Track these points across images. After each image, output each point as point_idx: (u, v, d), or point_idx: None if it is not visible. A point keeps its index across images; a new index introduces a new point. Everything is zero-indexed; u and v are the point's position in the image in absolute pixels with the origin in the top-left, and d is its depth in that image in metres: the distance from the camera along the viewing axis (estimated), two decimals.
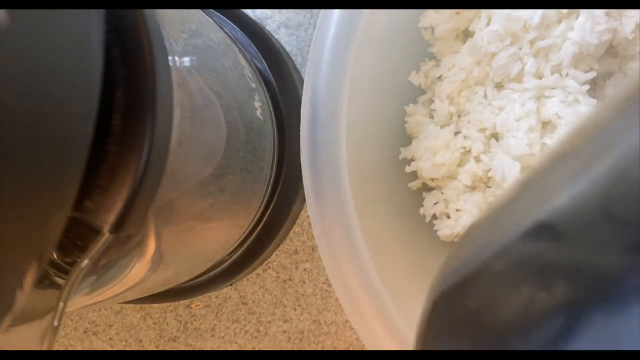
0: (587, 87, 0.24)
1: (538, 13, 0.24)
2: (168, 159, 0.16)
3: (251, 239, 0.32)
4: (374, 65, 0.25)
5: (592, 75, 0.24)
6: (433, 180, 0.27)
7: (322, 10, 0.23)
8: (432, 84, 0.28)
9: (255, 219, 0.30)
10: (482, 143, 0.26)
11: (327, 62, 0.23)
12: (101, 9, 0.14)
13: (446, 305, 0.12)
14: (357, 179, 0.23)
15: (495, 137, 0.27)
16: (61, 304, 0.16)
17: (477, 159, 0.27)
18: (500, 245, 0.11)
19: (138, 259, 0.19)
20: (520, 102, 0.25)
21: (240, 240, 0.31)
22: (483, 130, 0.27)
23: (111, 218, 0.15)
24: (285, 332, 0.36)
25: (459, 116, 0.28)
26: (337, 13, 0.23)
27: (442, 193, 0.28)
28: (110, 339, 0.38)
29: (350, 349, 0.36)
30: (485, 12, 0.26)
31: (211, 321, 0.37)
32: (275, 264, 0.36)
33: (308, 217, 0.32)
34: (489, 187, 0.27)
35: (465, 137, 0.27)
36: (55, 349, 0.38)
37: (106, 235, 0.15)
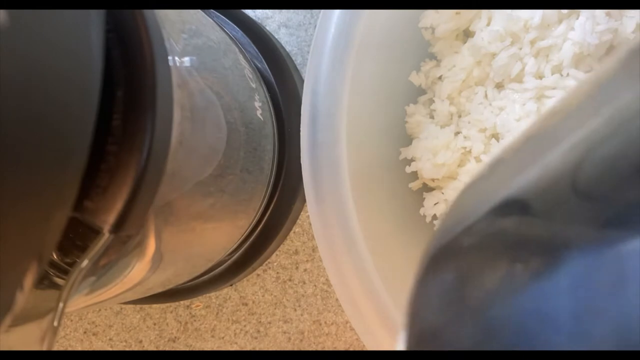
0: None
1: (538, 13, 0.24)
2: (168, 159, 0.16)
3: (251, 239, 0.32)
4: (374, 65, 0.25)
5: None
6: (433, 180, 0.27)
7: (322, 10, 0.23)
8: (432, 83, 0.28)
9: (255, 219, 0.30)
10: (482, 143, 0.26)
11: (327, 62, 0.23)
12: (101, 9, 0.14)
13: (427, 279, 0.12)
14: (357, 179, 0.23)
15: (496, 137, 0.27)
16: (61, 304, 0.16)
17: (477, 159, 0.27)
18: (471, 221, 0.11)
19: (138, 259, 0.19)
20: (521, 102, 0.25)
21: (240, 240, 0.31)
22: (483, 130, 0.27)
23: (111, 218, 0.15)
24: (285, 332, 0.36)
25: (459, 116, 0.28)
26: (337, 13, 0.23)
27: (442, 193, 0.28)
28: (110, 339, 0.38)
29: (350, 349, 0.36)
30: (485, 12, 0.26)
31: (211, 321, 0.37)
32: (275, 264, 0.36)
33: (308, 217, 0.32)
34: None
35: (465, 137, 0.27)
36: (55, 349, 0.38)
37: (106, 235, 0.15)
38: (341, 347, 0.36)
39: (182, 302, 0.37)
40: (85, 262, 0.16)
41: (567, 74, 0.25)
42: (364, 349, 0.34)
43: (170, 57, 0.17)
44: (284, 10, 0.36)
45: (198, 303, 0.37)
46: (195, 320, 0.37)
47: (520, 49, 0.25)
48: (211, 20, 0.27)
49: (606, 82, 0.11)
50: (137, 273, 0.20)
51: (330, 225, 0.22)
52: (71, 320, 0.39)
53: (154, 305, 0.38)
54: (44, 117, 0.12)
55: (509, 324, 0.09)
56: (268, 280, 0.36)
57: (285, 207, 0.31)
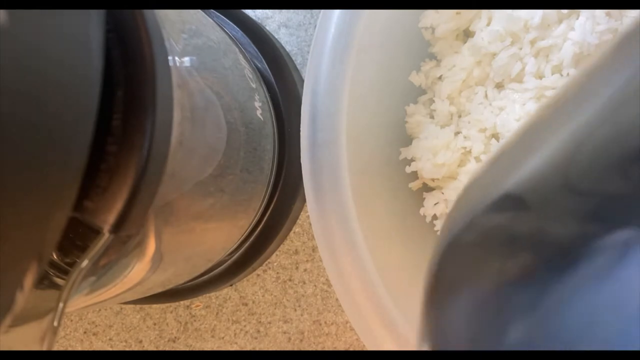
0: None
1: (538, 13, 0.24)
2: (168, 159, 0.16)
3: (251, 239, 0.32)
4: (374, 65, 0.25)
5: None
6: (433, 180, 0.27)
7: (322, 10, 0.23)
8: (432, 83, 0.28)
9: (255, 219, 0.30)
10: (482, 143, 0.26)
11: (327, 62, 0.23)
12: (101, 9, 0.14)
13: (433, 278, 0.12)
14: (357, 179, 0.23)
15: (496, 137, 0.27)
16: (61, 304, 0.16)
17: (477, 159, 0.27)
18: (469, 217, 0.11)
19: (138, 259, 0.19)
20: (521, 102, 0.25)
21: (240, 240, 0.31)
22: (483, 130, 0.27)
23: (111, 218, 0.15)
24: (285, 333, 0.36)
25: (459, 116, 0.28)
26: (337, 13, 0.23)
27: (442, 193, 0.28)
28: (110, 339, 0.38)
29: (350, 349, 0.36)
30: (485, 12, 0.26)
31: (211, 321, 0.37)
32: (275, 264, 0.36)
33: (308, 217, 0.32)
34: None
35: (465, 137, 0.27)
36: (55, 349, 0.38)
37: (106, 235, 0.15)
38: (341, 347, 0.36)
39: (182, 302, 0.37)
40: (85, 262, 0.16)
41: (567, 74, 0.25)
42: (364, 349, 0.34)
43: (170, 57, 0.17)
44: (284, 10, 0.36)
45: (198, 303, 0.37)
46: (195, 320, 0.37)
47: (520, 49, 0.25)
48: (211, 20, 0.27)
49: (599, 69, 0.11)
50: (137, 273, 0.20)
51: (330, 225, 0.22)
52: (71, 320, 0.39)
53: (154, 305, 0.38)
54: (44, 117, 0.12)
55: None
56: (268, 280, 0.36)
57: (285, 207, 0.31)
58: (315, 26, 0.25)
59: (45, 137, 0.12)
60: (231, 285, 0.37)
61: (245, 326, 0.37)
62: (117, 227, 0.15)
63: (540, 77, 0.25)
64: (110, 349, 0.38)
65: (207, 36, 0.23)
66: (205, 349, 0.37)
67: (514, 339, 0.09)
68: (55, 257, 0.19)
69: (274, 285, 0.36)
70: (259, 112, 0.26)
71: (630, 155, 0.09)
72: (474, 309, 0.10)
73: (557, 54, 0.24)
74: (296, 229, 0.36)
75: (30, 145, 0.11)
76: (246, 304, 0.37)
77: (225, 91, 0.23)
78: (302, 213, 0.35)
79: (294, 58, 0.35)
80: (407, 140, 0.28)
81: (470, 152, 0.27)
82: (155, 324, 0.38)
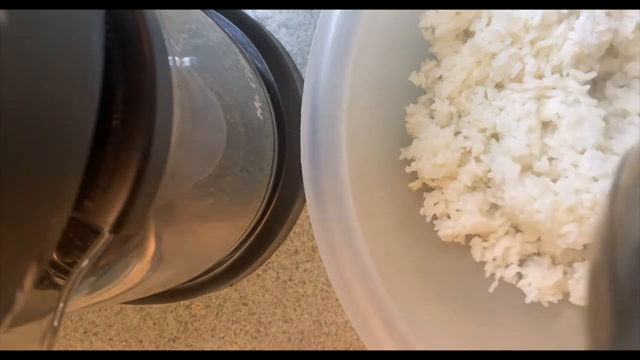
0: (587, 87, 0.24)
1: (538, 13, 0.24)
2: (168, 159, 0.16)
3: (251, 239, 0.32)
4: (374, 65, 0.25)
5: (592, 75, 0.24)
6: (433, 180, 0.27)
7: (322, 10, 0.23)
8: (432, 83, 0.28)
9: (255, 219, 0.30)
10: (482, 143, 0.26)
11: (327, 62, 0.23)
12: (101, 9, 0.14)
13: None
14: (357, 179, 0.23)
15: (495, 137, 0.27)
16: (61, 304, 0.16)
17: (477, 159, 0.27)
18: None
19: (138, 259, 0.19)
20: (520, 102, 0.25)
21: (240, 240, 0.31)
22: (483, 130, 0.27)
23: (111, 218, 0.15)
24: (285, 332, 0.36)
25: (459, 116, 0.28)
26: (337, 13, 0.23)
27: (442, 193, 0.28)
28: (110, 339, 0.38)
29: (350, 349, 0.36)
30: (485, 12, 0.26)
31: (211, 321, 0.37)
32: (275, 264, 0.36)
33: (308, 217, 0.32)
34: (489, 187, 0.27)
35: (465, 137, 0.27)
36: (55, 349, 0.38)
37: (106, 235, 0.15)
38: (341, 347, 0.36)
39: (182, 302, 0.37)
40: (85, 262, 0.16)
41: (567, 74, 0.25)
42: (364, 349, 0.34)
43: (170, 57, 0.17)
44: (284, 10, 0.36)
45: (198, 303, 0.37)
46: (195, 320, 0.37)
47: (520, 49, 0.25)
48: (211, 20, 0.27)
49: None
50: (137, 273, 0.20)
51: (330, 225, 0.22)
52: (71, 320, 0.39)
53: (154, 305, 0.38)
54: (44, 117, 0.12)
55: None
56: (268, 280, 0.36)
57: (285, 207, 0.31)
58: (315, 26, 0.25)
59: (45, 137, 0.12)
60: (231, 285, 0.37)
61: (245, 326, 0.37)
62: (117, 227, 0.15)
63: (540, 77, 0.25)
64: (110, 349, 0.38)
65: (207, 36, 0.23)
66: (205, 349, 0.37)
67: None
68: (55, 257, 0.19)
69: (274, 285, 0.36)
70: (259, 112, 0.26)
71: None
72: None
73: (557, 54, 0.24)
74: (296, 229, 0.36)
75: (30, 146, 0.11)
76: (246, 304, 0.37)
77: (225, 91, 0.23)
78: (302, 213, 0.35)
79: (294, 58, 0.35)
80: (407, 140, 0.28)
81: (470, 152, 0.27)
82: (155, 324, 0.38)
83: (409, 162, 0.27)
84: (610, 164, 0.23)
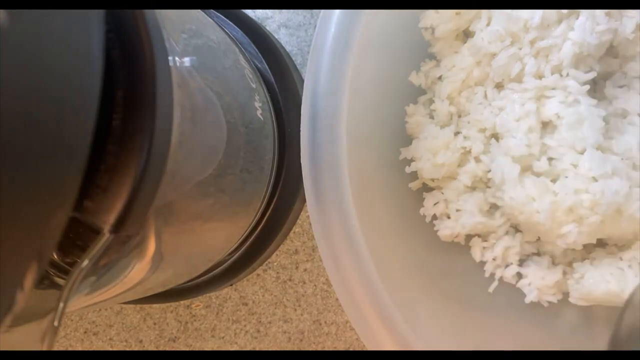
0: (587, 87, 0.24)
1: (538, 13, 0.24)
2: (168, 159, 0.16)
3: (251, 239, 0.32)
4: (374, 65, 0.25)
5: (592, 75, 0.24)
6: (433, 180, 0.27)
7: (322, 10, 0.23)
8: (432, 84, 0.28)
9: (255, 219, 0.30)
10: (481, 143, 0.26)
11: (327, 62, 0.23)
12: (101, 9, 0.14)
13: None
14: (357, 179, 0.23)
15: (495, 137, 0.27)
16: (61, 304, 0.16)
17: (477, 159, 0.27)
18: None
19: (138, 259, 0.19)
20: (520, 102, 0.25)
21: (240, 240, 0.31)
22: (483, 130, 0.27)
23: (111, 218, 0.15)
24: (285, 332, 0.36)
25: (459, 116, 0.28)
26: (337, 13, 0.23)
27: (442, 193, 0.28)
28: (110, 339, 0.38)
29: (350, 349, 0.36)
30: (485, 12, 0.26)
31: (211, 321, 0.37)
32: (275, 264, 0.36)
33: (308, 217, 0.32)
34: (489, 187, 0.27)
35: (465, 137, 0.27)
36: (55, 349, 0.38)
37: (106, 235, 0.15)
38: (341, 347, 0.36)
39: (182, 302, 0.37)
40: (85, 262, 0.16)
41: (567, 74, 0.25)
42: (364, 349, 0.34)
43: (170, 57, 0.17)
44: (284, 11, 0.36)
45: (198, 303, 0.37)
46: (195, 320, 0.37)
47: (520, 49, 0.25)
48: (211, 20, 0.27)
49: None
50: (137, 273, 0.20)
51: (330, 225, 0.22)
52: (71, 320, 0.39)
53: (154, 305, 0.38)
54: (44, 117, 0.12)
55: None
56: (268, 280, 0.36)
57: (285, 207, 0.31)
58: (315, 26, 0.25)
59: (45, 137, 0.12)
60: (231, 285, 0.37)
61: (245, 326, 0.37)
62: (117, 227, 0.15)
63: (540, 77, 0.25)
64: (111, 349, 0.38)
65: (207, 36, 0.23)
66: (206, 349, 0.37)
67: None
68: (55, 257, 0.19)
69: (274, 285, 0.36)
70: (259, 112, 0.26)
71: None
72: None
73: (557, 54, 0.24)
74: (296, 229, 0.36)
75: (30, 146, 0.11)
76: (246, 304, 0.37)
77: (225, 91, 0.23)
78: (302, 213, 0.35)
79: (294, 58, 0.35)
80: (407, 140, 0.28)
81: (470, 152, 0.27)
82: (155, 324, 0.38)
83: (409, 162, 0.27)
84: (610, 164, 0.23)
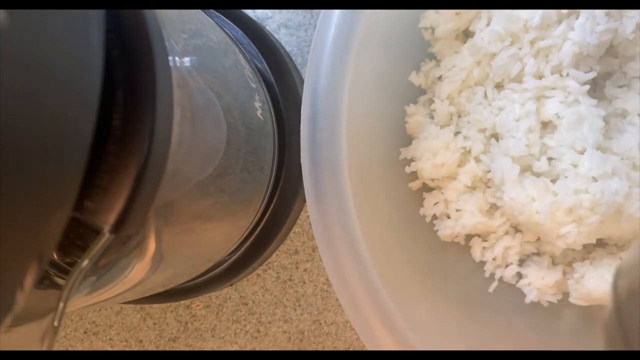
0: (587, 87, 0.24)
1: (538, 13, 0.24)
2: (168, 159, 0.16)
3: (251, 239, 0.32)
4: (374, 65, 0.25)
5: (592, 75, 0.24)
6: (433, 180, 0.27)
7: (322, 10, 0.23)
8: (432, 84, 0.28)
9: (255, 219, 0.30)
10: (481, 143, 0.26)
11: (327, 62, 0.23)
12: (101, 9, 0.14)
13: None
14: (357, 179, 0.23)
15: (495, 137, 0.27)
16: (61, 304, 0.16)
17: (477, 159, 0.27)
18: None
19: (138, 259, 0.19)
20: (520, 102, 0.25)
21: (240, 240, 0.31)
22: (483, 130, 0.27)
23: (111, 218, 0.15)
24: (285, 332, 0.36)
25: (459, 116, 0.28)
26: (337, 13, 0.23)
27: (442, 193, 0.28)
28: (110, 339, 0.38)
29: (350, 349, 0.36)
30: (485, 12, 0.26)
31: (211, 321, 0.37)
32: (275, 264, 0.36)
33: (308, 217, 0.32)
34: (489, 187, 0.27)
35: (465, 137, 0.27)
36: (55, 349, 0.38)
37: (106, 235, 0.15)
38: (341, 347, 0.36)
39: (182, 302, 0.37)
40: (85, 262, 0.16)
41: (567, 74, 0.25)
42: (364, 349, 0.34)
43: (170, 57, 0.17)
44: (284, 11, 0.36)
45: (198, 303, 0.37)
46: (195, 320, 0.37)
47: (520, 49, 0.25)
48: (211, 20, 0.27)
49: None
50: (137, 273, 0.20)
51: (330, 225, 0.22)
52: (71, 320, 0.39)
53: (154, 305, 0.38)
54: (44, 117, 0.12)
55: None
56: (268, 280, 0.36)
57: (285, 207, 0.31)
58: (315, 26, 0.25)
59: (46, 137, 0.12)
60: (231, 285, 0.37)
61: (245, 326, 0.37)
62: (117, 227, 0.15)
63: (540, 77, 0.25)
64: (111, 349, 0.38)
65: (207, 36, 0.23)
66: (206, 349, 0.37)
67: None
68: (55, 257, 0.19)
69: (274, 285, 0.36)
70: (259, 112, 0.26)
71: None
72: None
73: (557, 54, 0.24)
74: (296, 229, 0.36)
75: (30, 146, 0.11)
76: (246, 304, 0.37)
77: (225, 91, 0.23)
78: (302, 213, 0.35)
79: (294, 58, 0.35)
80: (407, 140, 0.28)
81: (469, 152, 0.27)
82: (155, 324, 0.38)
83: (409, 162, 0.27)
84: (610, 164, 0.23)
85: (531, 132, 0.25)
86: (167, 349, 0.38)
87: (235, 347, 0.37)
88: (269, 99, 0.30)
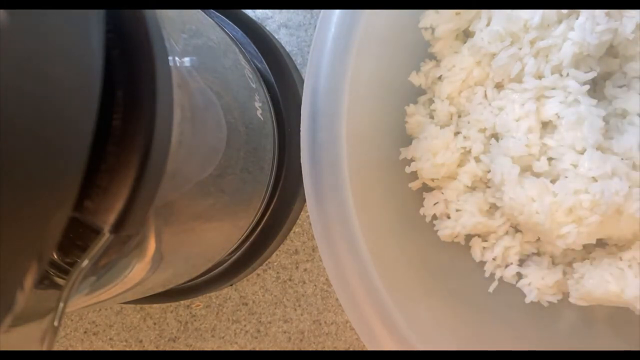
0: (587, 87, 0.24)
1: (538, 13, 0.24)
2: (168, 159, 0.16)
3: (251, 239, 0.32)
4: (374, 65, 0.25)
5: (592, 75, 0.24)
6: (433, 180, 0.27)
7: (322, 10, 0.23)
8: (432, 84, 0.28)
9: (256, 219, 0.30)
10: (481, 143, 0.26)
11: (327, 62, 0.23)
12: (101, 9, 0.14)
13: None
14: (357, 178, 0.23)
15: (495, 137, 0.27)
16: (61, 304, 0.16)
17: (477, 159, 0.27)
18: None
19: (138, 259, 0.19)
20: (520, 102, 0.25)
21: (240, 240, 0.31)
22: (483, 130, 0.27)
23: (111, 218, 0.15)
24: (285, 332, 0.36)
25: (459, 116, 0.28)
26: (337, 13, 0.23)
27: (442, 193, 0.28)
28: (110, 339, 0.38)
29: (350, 349, 0.36)
30: (485, 12, 0.26)
31: (211, 321, 0.37)
32: (275, 264, 0.36)
33: (308, 217, 0.32)
34: (489, 187, 0.27)
35: (465, 137, 0.27)
36: (55, 349, 0.38)
37: (106, 235, 0.15)
38: (341, 347, 0.36)
39: (182, 302, 0.37)
40: (85, 262, 0.16)
41: (567, 74, 0.25)
42: (364, 349, 0.34)
43: (170, 57, 0.17)
44: (284, 11, 0.36)
45: (198, 303, 0.37)
46: (195, 320, 0.37)
47: (520, 49, 0.25)
48: (211, 20, 0.27)
49: None
50: (137, 273, 0.20)
51: (330, 225, 0.22)
52: (71, 320, 0.39)
53: (154, 305, 0.38)
54: (44, 117, 0.12)
55: None
56: (268, 280, 0.36)
57: (285, 207, 0.31)
58: (315, 26, 0.25)
59: (46, 137, 0.12)
60: (231, 285, 0.37)
61: (245, 326, 0.37)
62: (117, 227, 0.15)
63: (540, 77, 0.25)
64: (111, 349, 0.38)
65: (207, 36, 0.23)
66: (206, 349, 0.37)
67: None
68: (55, 257, 0.19)
69: (274, 285, 0.36)
70: (259, 112, 0.26)
71: None
72: None
73: (557, 54, 0.24)
74: (296, 229, 0.36)
75: (30, 146, 0.11)
76: (246, 304, 0.37)
77: (225, 91, 0.23)
78: (302, 213, 0.35)
79: (294, 58, 0.35)
80: (407, 140, 0.28)
81: (469, 152, 0.27)
82: (155, 324, 0.38)
83: (409, 162, 0.27)
84: (610, 164, 0.23)
85: (531, 132, 0.25)
86: (167, 349, 0.38)
87: (235, 347, 0.37)
88: (269, 99, 0.30)
